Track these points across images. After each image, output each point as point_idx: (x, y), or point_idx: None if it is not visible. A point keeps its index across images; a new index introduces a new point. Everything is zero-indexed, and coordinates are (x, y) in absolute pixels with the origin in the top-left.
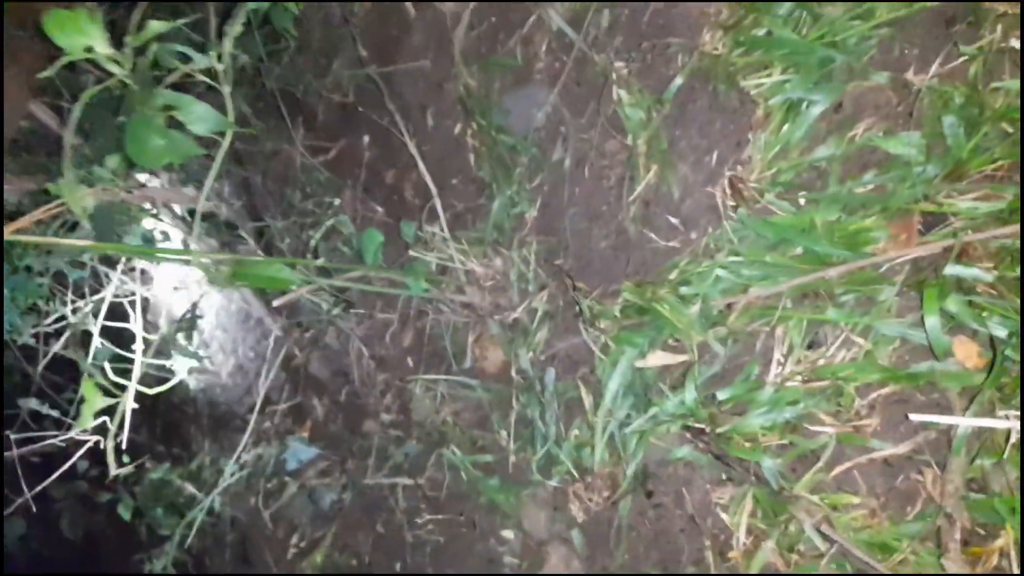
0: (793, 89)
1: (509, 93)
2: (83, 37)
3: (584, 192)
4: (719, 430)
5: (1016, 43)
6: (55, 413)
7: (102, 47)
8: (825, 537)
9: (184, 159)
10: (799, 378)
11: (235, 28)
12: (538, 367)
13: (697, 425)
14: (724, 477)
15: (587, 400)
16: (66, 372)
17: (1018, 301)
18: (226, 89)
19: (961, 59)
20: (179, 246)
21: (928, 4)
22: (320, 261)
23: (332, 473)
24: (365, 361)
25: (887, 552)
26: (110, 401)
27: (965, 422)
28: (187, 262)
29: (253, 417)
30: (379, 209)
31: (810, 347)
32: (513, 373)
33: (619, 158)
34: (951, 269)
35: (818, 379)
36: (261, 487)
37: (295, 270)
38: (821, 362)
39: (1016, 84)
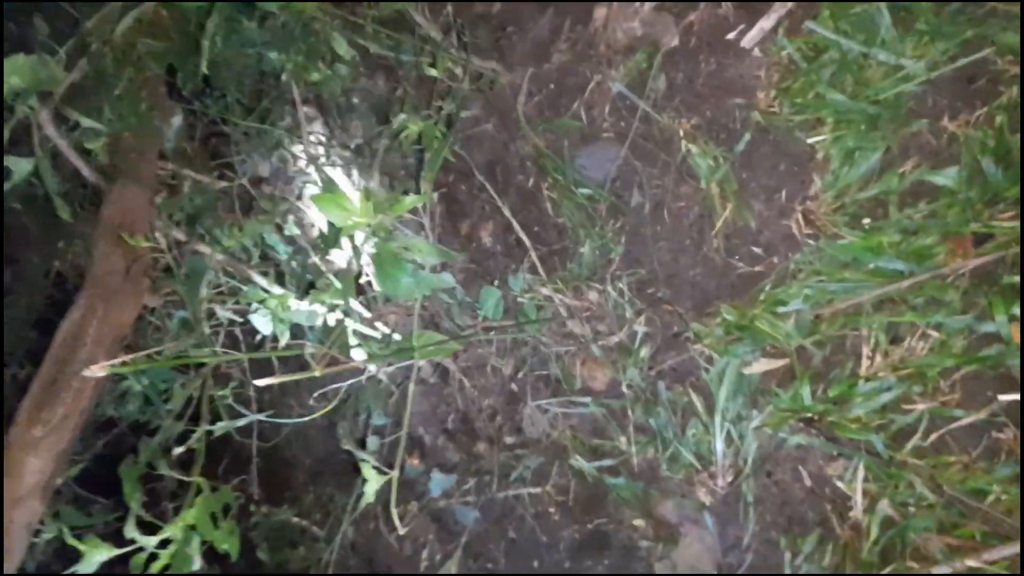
0: (848, 141)
1: (579, 149)
2: (349, 212)
3: (666, 230)
4: (829, 419)
5: None
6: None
7: (365, 216)
8: (933, 490)
9: (430, 290)
10: (889, 368)
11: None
12: (648, 380)
13: (807, 415)
14: (835, 454)
15: (699, 404)
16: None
17: None
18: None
19: (985, 108)
20: None
21: (952, 66)
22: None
23: (464, 493)
24: (468, 391)
25: (983, 495)
26: (384, 478)
27: None
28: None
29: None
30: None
31: (893, 342)
32: (624, 388)
33: (695, 199)
34: (1009, 279)
35: (905, 368)
36: (380, 513)
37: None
38: (905, 354)
39: None
